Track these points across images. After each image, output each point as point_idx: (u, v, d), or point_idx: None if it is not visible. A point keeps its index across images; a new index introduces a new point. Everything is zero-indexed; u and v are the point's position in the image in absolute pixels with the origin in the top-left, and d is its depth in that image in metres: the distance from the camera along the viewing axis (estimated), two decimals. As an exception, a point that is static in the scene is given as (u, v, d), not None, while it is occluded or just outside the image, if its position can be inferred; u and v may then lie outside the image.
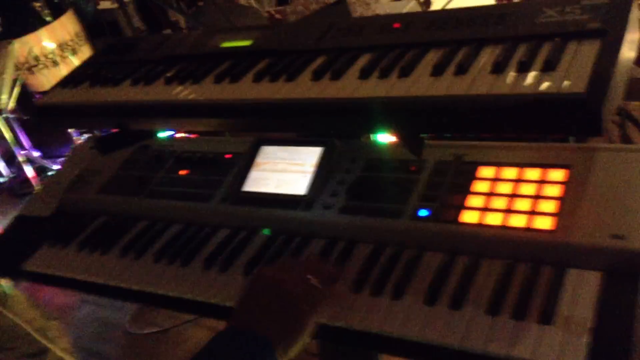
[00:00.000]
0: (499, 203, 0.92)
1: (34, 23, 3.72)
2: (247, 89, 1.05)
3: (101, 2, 4.16)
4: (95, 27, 4.16)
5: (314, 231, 1.03)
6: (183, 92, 1.11)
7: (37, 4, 3.66)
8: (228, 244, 1.06)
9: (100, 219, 1.24)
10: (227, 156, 1.24)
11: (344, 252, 0.97)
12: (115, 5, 4.04)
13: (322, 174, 1.09)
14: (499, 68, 0.85)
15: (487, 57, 0.89)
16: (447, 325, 0.79)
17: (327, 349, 1.40)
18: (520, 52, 0.87)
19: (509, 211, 0.90)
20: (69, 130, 3.94)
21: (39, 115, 1.38)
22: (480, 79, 0.84)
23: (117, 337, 2.59)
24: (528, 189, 0.92)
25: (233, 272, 1.01)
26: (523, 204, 0.90)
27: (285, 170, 1.12)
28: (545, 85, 0.79)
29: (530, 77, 0.81)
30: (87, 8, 4.12)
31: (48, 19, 3.72)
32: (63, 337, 1.75)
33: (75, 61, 3.71)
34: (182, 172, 1.25)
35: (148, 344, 2.48)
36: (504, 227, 0.88)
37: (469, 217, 0.92)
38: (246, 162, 1.17)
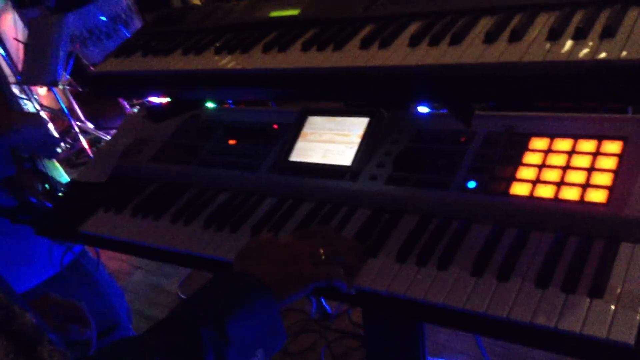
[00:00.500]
0: (551, 175, 0.90)
1: (88, -4, 3.81)
2: (295, 58, 1.05)
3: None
4: (146, 0, 4.22)
5: (360, 201, 1.03)
6: (232, 62, 1.12)
7: (91, -22, 3.74)
8: (275, 212, 1.08)
9: (152, 186, 1.28)
10: (274, 126, 1.25)
11: (390, 222, 0.97)
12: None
13: (369, 145, 1.08)
14: (555, 35, 0.82)
15: (542, 23, 0.86)
16: (494, 296, 0.78)
17: (370, 319, 1.41)
18: (578, 18, 0.84)
19: (561, 183, 0.88)
20: (122, 102, 4.05)
21: (93, 85, 1.41)
22: (535, 46, 0.82)
23: (168, 302, 2.69)
24: (581, 161, 0.89)
25: (280, 239, 1.02)
26: (576, 176, 0.88)
27: (332, 141, 1.13)
28: (603, 53, 0.76)
29: (588, 44, 0.78)
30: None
31: (101, -8, 3.80)
32: None
33: (127, 34, 3.78)
34: (231, 142, 1.27)
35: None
36: (555, 200, 0.86)
37: (519, 189, 0.90)
38: (293, 132, 1.18)
